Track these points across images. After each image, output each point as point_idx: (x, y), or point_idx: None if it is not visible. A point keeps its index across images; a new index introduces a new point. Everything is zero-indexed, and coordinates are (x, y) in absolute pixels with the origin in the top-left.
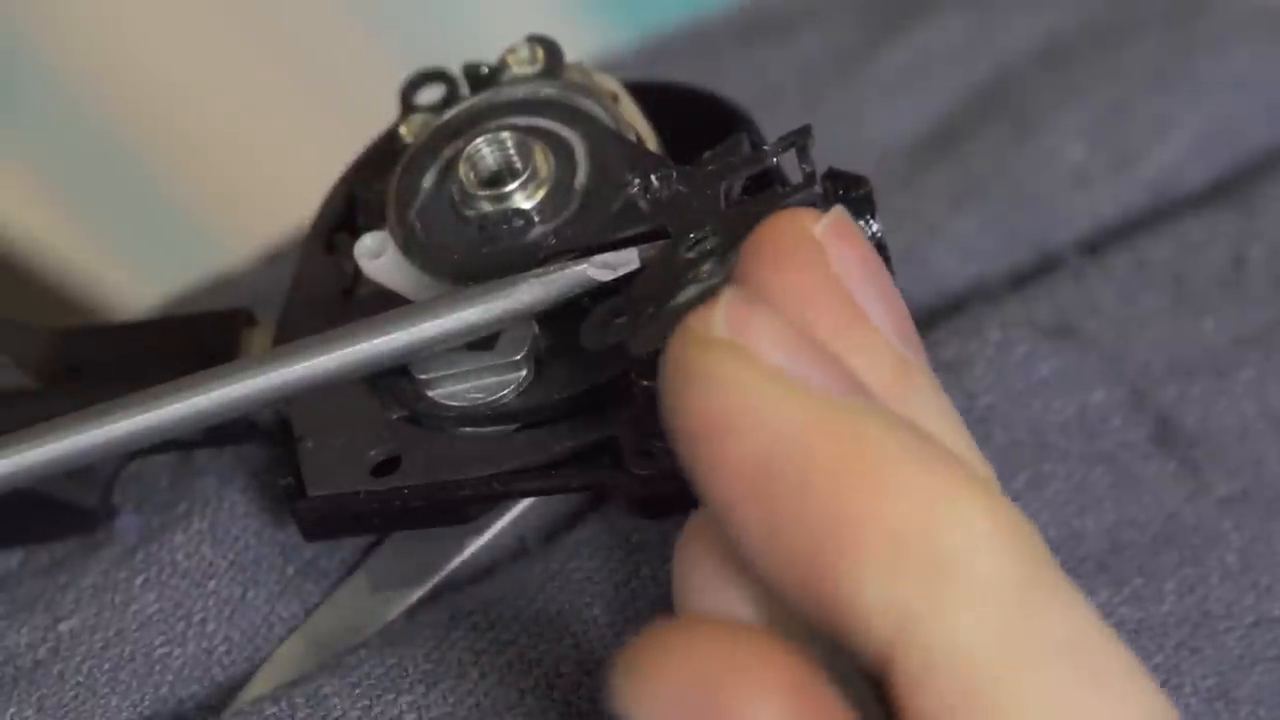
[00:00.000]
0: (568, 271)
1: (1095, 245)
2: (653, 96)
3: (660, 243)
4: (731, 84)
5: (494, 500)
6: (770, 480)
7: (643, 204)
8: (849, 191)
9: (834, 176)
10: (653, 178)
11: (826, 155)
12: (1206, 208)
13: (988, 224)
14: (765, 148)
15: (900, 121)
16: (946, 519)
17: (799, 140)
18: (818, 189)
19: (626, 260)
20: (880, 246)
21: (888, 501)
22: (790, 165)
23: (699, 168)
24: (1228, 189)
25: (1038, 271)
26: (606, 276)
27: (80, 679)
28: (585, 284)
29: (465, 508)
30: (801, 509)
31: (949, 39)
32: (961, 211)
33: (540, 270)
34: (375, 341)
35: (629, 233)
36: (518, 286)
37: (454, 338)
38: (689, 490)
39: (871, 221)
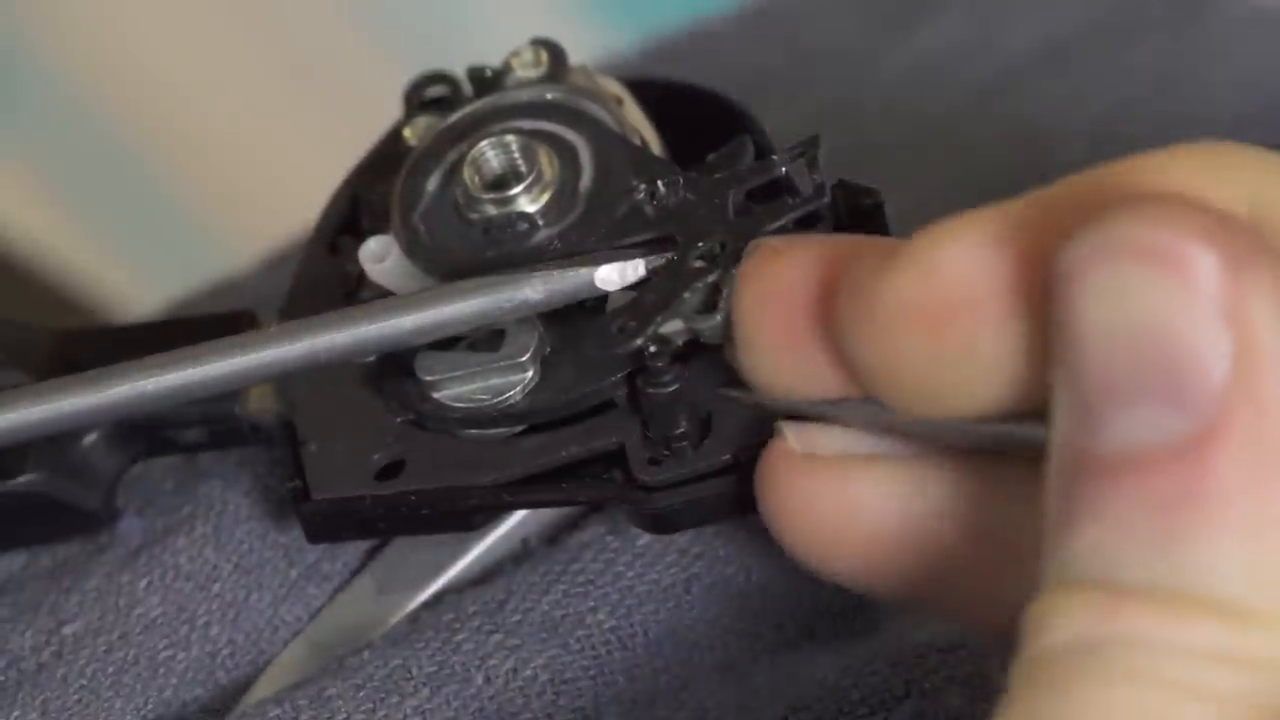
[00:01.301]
0: (574, 275)
1: None
2: (655, 93)
3: (668, 253)
4: (733, 85)
5: (500, 510)
6: None
7: (648, 210)
8: (859, 203)
9: (844, 187)
10: (659, 184)
11: (828, 156)
12: None
13: None
14: (774, 157)
15: (903, 123)
16: None
17: (809, 150)
18: (826, 200)
19: (634, 271)
20: None
21: None
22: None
23: (706, 173)
24: None
25: None
26: (613, 287)
27: (84, 682)
28: (590, 291)
29: (470, 516)
30: None
31: (951, 40)
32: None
33: (546, 269)
34: (373, 325)
35: (635, 239)
36: (523, 283)
37: (454, 327)
38: (695, 507)
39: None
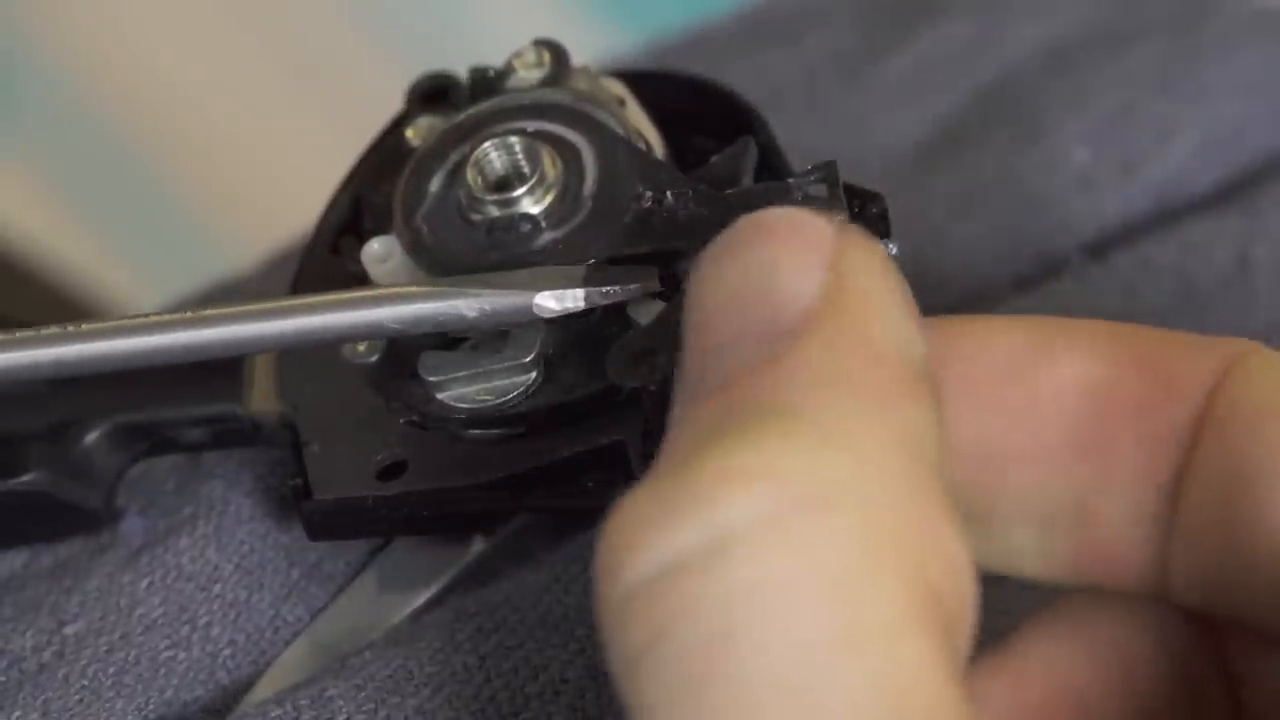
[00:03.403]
0: (511, 298)
1: (1099, 249)
2: (660, 87)
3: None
4: (736, 87)
5: (502, 513)
6: None
7: (656, 220)
8: (864, 208)
9: (848, 191)
10: (668, 194)
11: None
12: (1211, 211)
13: (992, 228)
14: (790, 180)
15: (904, 125)
16: None
17: (828, 176)
18: None
19: (574, 300)
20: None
21: None
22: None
23: (714, 184)
24: (1233, 193)
25: (1041, 276)
26: (550, 314)
27: (85, 683)
28: (527, 315)
29: (472, 518)
30: None
31: (954, 43)
32: (965, 215)
33: (484, 287)
34: (297, 320)
35: (644, 249)
36: (458, 297)
37: (385, 330)
38: None
39: (889, 244)
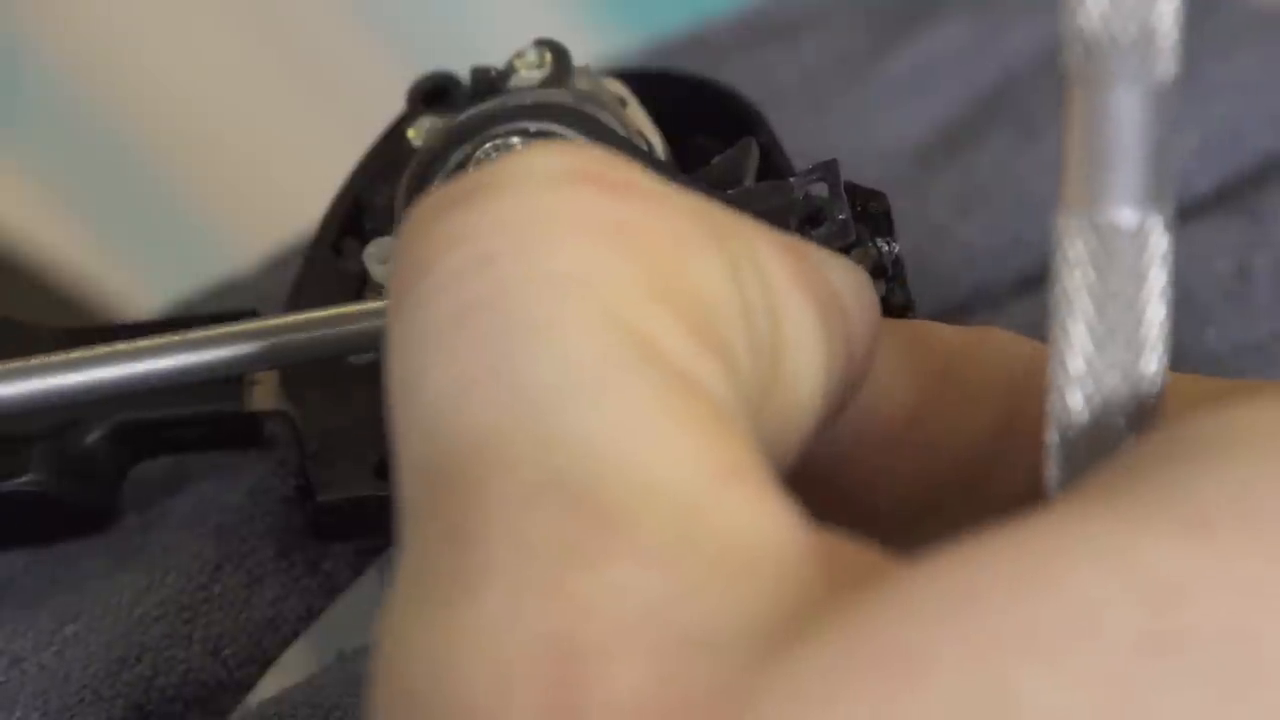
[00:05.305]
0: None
1: None
2: (661, 86)
3: None
4: (736, 87)
5: None
6: None
7: None
8: (865, 206)
9: (850, 191)
10: None
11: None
12: (1211, 215)
13: (992, 229)
14: (791, 180)
15: (905, 126)
16: None
17: (829, 175)
18: (853, 238)
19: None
20: (898, 264)
21: None
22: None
23: (716, 184)
24: (1233, 195)
25: (1043, 277)
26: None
27: (85, 682)
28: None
29: None
30: None
31: (954, 44)
32: (966, 217)
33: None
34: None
35: None
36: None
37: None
38: None
39: (891, 242)
